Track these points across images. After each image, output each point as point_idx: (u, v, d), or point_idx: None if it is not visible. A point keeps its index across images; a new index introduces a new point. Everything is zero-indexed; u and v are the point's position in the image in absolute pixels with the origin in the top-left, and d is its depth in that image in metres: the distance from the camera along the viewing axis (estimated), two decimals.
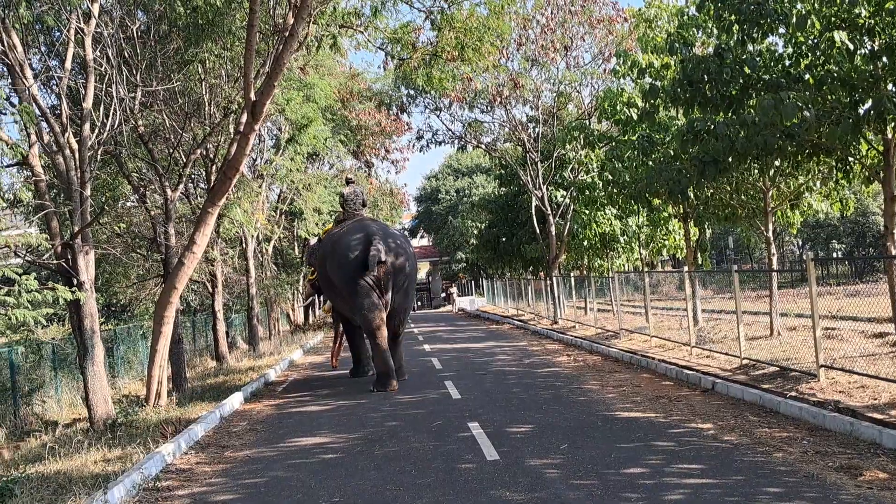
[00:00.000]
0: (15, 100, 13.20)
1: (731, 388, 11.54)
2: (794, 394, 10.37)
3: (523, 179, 30.19)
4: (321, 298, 24.43)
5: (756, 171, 15.45)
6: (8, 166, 13.90)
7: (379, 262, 14.97)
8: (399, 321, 16.05)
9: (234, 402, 14.17)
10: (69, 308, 12.91)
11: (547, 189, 29.31)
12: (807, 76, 12.32)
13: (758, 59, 12.95)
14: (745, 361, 13.10)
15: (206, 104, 17.85)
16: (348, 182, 18.62)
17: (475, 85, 28.39)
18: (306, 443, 10.34)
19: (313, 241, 20.07)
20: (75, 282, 12.45)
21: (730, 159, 13.34)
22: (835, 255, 57.60)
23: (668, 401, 11.40)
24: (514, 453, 8.67)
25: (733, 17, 12.83)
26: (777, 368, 12.11)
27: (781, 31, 13.12)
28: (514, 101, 29.79)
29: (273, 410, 13.53)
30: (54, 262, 12.61)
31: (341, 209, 17.84)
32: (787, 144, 12.52)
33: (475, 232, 46.93)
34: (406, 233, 70.58)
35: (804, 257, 11.28)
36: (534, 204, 29.97)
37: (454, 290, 55.35)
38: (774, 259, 16.70)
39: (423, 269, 76.92)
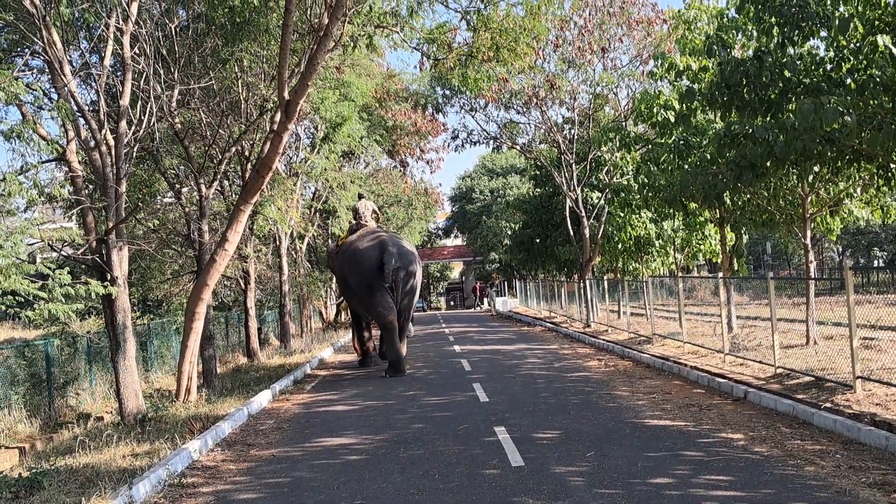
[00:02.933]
0: (55, 96, 13.40)
1: (763, 398, 11.33)
2: (828, 405, 10.15)
3: (558, 181, 29.99)
4: None
5: (794, 176, 15.17)
6: (46, 162, 14.08)
7: (392, 269, 17.54)
8: (405, 318, 18.37)
9: (263, 399, 14.24)
10: (102, 302, 13.06)
11: (581, 191, 29.09)
12: (848, 81, 12.06)
13: (798, 62, 12.71)
14: (779, 370, 12.87)
15: (243, 102, 17.96)
16: (360, 197, 21.56)
17: (511, 86, 28.26)
18: (332, 443, 10.34)
19: (331, 246, 21.46)
20: (109, 276, 12.59)
21: (768, 164, 13.10)
22: (876, 262, 56.49)
23: (698, 409, 11.22)
24: (539, 459, 8.59)
25: (773, 20, 12.61)
26: (812, 378, 11.87)
27: (823, 34, 12.88)
28: (549, 102, 29.59)
29: (300, 409, 13.57)
30: (89, 256, 12.75)
31: (354, 220, 20.63)
32: (827, 150, 12.27)
33: (509, 232, 46.76)
34: (438, 234, 70.66)
35: (843, 265, 11.03)
36: (568, 206, 29.78)
37: (493, 289, 54.19)
38: (812, 266, 16.39)
39: (456, 269, 76.88)
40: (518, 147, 34.90)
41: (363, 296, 18.39)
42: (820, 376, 11.72)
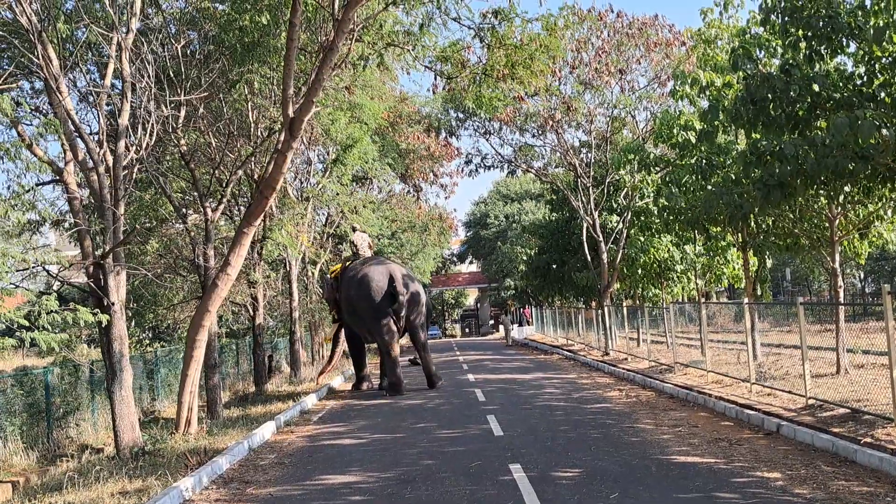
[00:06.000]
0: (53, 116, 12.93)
1: (798, 432, 10.56)
2: (868, 440, 9.40)
3: (575, 205, 29.37)
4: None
5: (822, 197, 14.47)
6: (43, 184, 13.63)
7: (400, 294, 19.10)
8: (423, 334, 20.25)
9: (266, 432, 13.55)
10: (99, 330, 12.48)
11: (599, 215, 28.44)
12: (882, 95, 11.42)
13: (826, 78, 12.10)
14: (810, 401, 12.09)
15: (252, 124, 17.52)
16: (354, 230, 23.25)
17: (527, 105, 27.70)
18: (334, 481, 9.63)
19: (328, 277, 22.71)
20: (105, 302, 12.03)
21: (797, 183, 12.43)
22: None
23: (728, 444, 10.46)
24: (558, 502, 7.85)
25: (801, 33, 12.01)
26: (847, 410, 11.10)
27: (851, 49, 12.28)
28: (565, 125, 29.04)
29: (305, 442, 12.87)
30: (84, 281, 12.22)
31: (351, 251, 22.36)
32: (861, 167, 11.56)
33: (524, 258, 46.06)
34: (452, 260, 70.17)
35: (883, 290, 10.30)
36: (584, 228, 29.11)
37: (508, 317, 52.55)
38: (841, 292, 15.63)
39: (471, 296, 76.15)
40: (533, 171, 34.32)
41: (371, 321, 19.51)
42: (856, 408, 10.98)
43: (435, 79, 19.01)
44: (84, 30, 13.74)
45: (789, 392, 13.14)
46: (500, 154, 33.73)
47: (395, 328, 19.43)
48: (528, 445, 11.12)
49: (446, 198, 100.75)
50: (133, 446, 12.06)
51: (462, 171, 55.46)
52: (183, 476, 9.72)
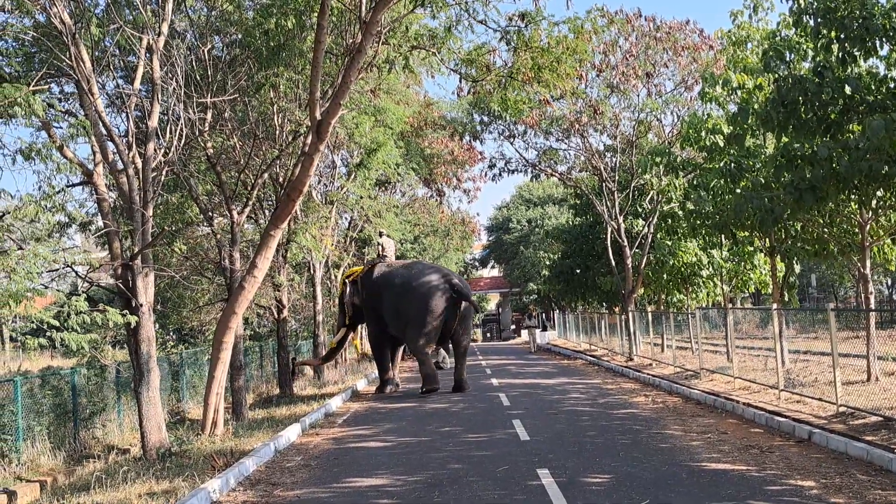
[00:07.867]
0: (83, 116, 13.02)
1: (830, 440, 10.39)
2: None
3: (599, 209, 29.21)
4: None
5: (854, 202, 14.27)
6: (73, 185, 13.71)
7: (465, 298, 19.74)
8: (468, 340, 20.78)
9: (291, 434, 13.54)
10: (126, 331, 12.53)
11: (624, 219, 28.26)
12: None
13: (859, 81, 11.94)
14: (841, 409, 11.91)
15: (277, 127, 17.56)
16: (381, 234, 23.64)
17: (552, 108, 27.56)
18: (361, 484, 9.59)
19: (348, 283, 22.29)
20: (133, 303, 12.07)
21: (829, 187, 12.27)
22: None
23: (759, 451, 10.31)
24: None
25: (834, 34, 11.87)
26: (880, 418, 10.92)
27: (884, 52, 12.14)
28: (591, 129, 28.88)
29: (331, 445, 12.83)
30: (112, 282, 12.26)
31: (379, 255, 22.67)
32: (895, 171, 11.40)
33: (547, 263, 45.86)
34: (474, 264, 70.07)
35: None
36: (609, 233, 28.93)
37: (533, 321, 51.36)
38: (872, 298, 15.41)
39: (492, 301, 75.96)
40: (557, 175, 34.19)
41: (419, 323, 19.38)
42: (889, 416, 10.79)
43: (460, 82, 18.96)
44: (114, 34, 13.82)
45: (819, 399, 12.97)
46: (524, 158, 33.62)
47: (438, 329, 19.54)
48: (555, 451, 11.02)
49: (469, 202, 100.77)
50: (160, 447, 12.09)
51: (485, 175, 54.99)
52: (210, 477, 9.72)
